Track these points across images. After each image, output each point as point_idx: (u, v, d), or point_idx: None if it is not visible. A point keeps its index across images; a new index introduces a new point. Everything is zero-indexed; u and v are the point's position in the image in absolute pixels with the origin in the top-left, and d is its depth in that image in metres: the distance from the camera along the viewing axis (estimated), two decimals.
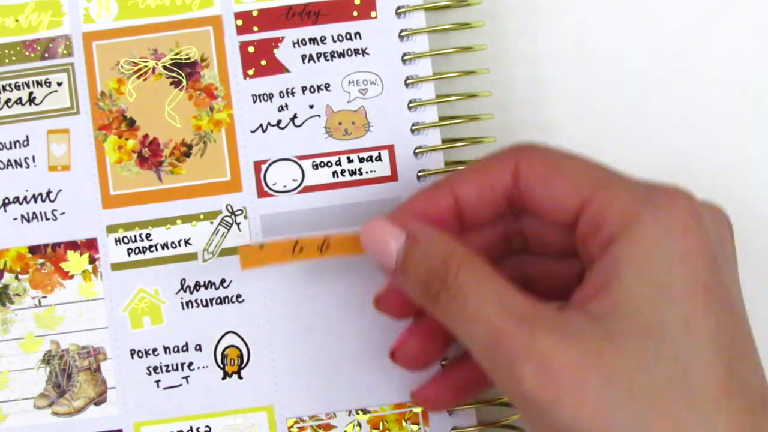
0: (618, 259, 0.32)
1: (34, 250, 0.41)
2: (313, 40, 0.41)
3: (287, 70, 0.41)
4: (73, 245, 0.41)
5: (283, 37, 0.41)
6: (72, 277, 0.41)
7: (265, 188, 0.41)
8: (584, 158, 0.35)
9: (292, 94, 0.41)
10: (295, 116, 0.41)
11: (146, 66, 0.41)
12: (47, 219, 0.41)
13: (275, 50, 0.41)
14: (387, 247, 0.35)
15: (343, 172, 0.41)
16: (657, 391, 0.30)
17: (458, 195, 0.36)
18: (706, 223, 0.32)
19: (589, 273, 0.33)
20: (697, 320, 0.31)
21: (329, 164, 0.41)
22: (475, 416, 0.41)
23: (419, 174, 0.41)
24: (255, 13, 0.41)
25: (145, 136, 0.41)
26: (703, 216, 0.32)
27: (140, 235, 0.41)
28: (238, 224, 0.41)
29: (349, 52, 0.41)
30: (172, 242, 0.41)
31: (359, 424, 0.41)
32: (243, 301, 0.41)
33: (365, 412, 0.41)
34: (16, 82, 0.41)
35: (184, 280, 0.41)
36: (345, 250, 0.37)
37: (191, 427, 0.41)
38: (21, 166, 0.41)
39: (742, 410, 0.31)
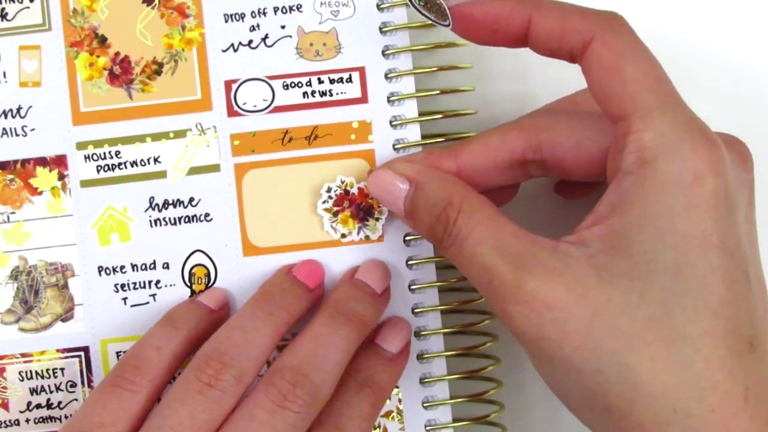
0: (625, 197, 0.33)
1: (3, 165, 0.41)
2: None
3: None
4: (42, 161, 0.41)
5: None
6: (41, 193, 0.41)
7: (236, 107, 0.41)
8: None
9: (264, 14, 0.41)
10: (266, 36, 0.41)
11: None
12: (17, 135, 0.41)
13: None
14: (394, 196, 0.38)
15: (313, 92, 0.41)
16: (638, 331, 0.32)
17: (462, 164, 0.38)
18: (725, 172, 0.33)
19: (600, 200, 0.34)
20: (690, 265, 0.32)
21: (300, 85, 0.41)
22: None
23: (392, 104, 0.41)
24: None
25: (117, 54, 0.41)
26: (724, 165, 0.33)
27: (110, 152, 0.41)
28: (207, 143, 0.41)
29: None
30: (142, 160, 0.41)
31: None
32: (211, 220, 0.41)
33: None
34: None
35: (153, 198, 0.41)
36: (333, 141, 0.40)
37: None
38: None
39: (725, 352, 0.31)
